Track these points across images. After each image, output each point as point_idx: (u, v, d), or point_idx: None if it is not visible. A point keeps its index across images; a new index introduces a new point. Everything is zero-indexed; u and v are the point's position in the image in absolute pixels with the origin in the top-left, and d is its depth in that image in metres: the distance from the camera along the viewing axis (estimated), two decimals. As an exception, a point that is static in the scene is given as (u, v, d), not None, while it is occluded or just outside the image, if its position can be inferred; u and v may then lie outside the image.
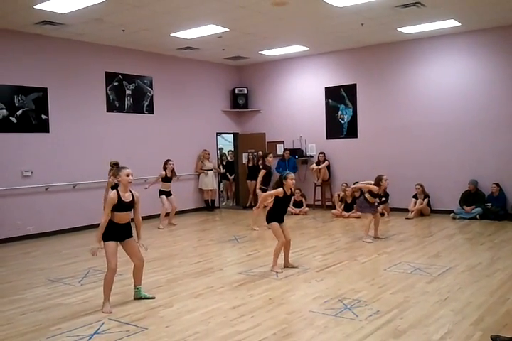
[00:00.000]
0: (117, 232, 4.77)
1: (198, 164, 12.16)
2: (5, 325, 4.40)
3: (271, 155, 9.79)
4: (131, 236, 4.88)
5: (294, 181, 6.04)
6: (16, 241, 8.61)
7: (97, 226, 7.59)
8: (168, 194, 9.78)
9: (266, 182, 9.55)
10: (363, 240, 7.64)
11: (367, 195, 7.84)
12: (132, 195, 4.83)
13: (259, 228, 8.99)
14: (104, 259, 6.96)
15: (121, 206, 4.73)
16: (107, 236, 4.72)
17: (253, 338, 3.91)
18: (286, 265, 6.17)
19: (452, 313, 4.34)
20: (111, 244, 4.73)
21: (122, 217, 4.78)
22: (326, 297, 4.91)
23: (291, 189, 6.09)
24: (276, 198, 6.03)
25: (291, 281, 5.56)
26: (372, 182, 7.82)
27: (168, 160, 9.80)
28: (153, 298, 5.00)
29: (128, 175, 4.79)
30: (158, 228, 9.48)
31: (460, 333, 3.88)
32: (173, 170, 9.82)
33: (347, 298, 4.86)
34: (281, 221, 6.09)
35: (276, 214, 6.08)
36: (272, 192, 6.07)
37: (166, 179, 9.74)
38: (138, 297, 5.01)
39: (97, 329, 4.21)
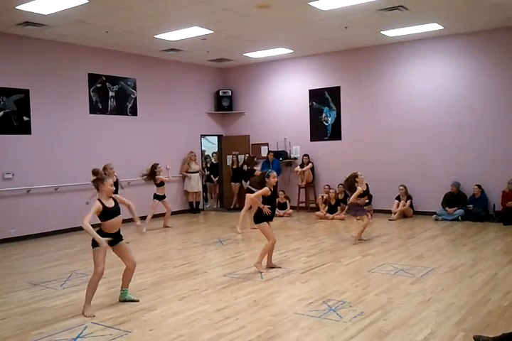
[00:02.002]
0: (113, 237, 4.80)
1: (184, 166, 12.12)
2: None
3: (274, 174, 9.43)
4: (122, 239, 4.87)
5: (276, 179, 6.11)
6: (-3, 244, 8.50)
7: (79, 229, 7.61)
8: (161, 197, 9.69)
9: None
10: (353, 243, 7.66)
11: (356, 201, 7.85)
12: (113, 199, 4.85)
13: (243, 230, 8.96)
14: (86, 262, 6.95)
15: (108, 214, 4.70)
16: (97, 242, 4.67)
17: (238, 340, 3.90)
18: (270, 265, 6.19)
19: (435, 314, 4.38)
20: (101, 249, 4.67)
21: (114, 225, 4.75)
22: (311, 298, 4.92)
23: (274, 187, 6.19)
24: (265, 197, 6.05)
25: (275, 283, 5.55)
26: (357, 192, 7.77)
27: (155, 165, 9.56)
28: (138, 300, 4.97)
29: (112, 185, 4.79)
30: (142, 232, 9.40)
31: (443, 333, 3.91)
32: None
33: (331, 299, 4.87)
34: (270, 219, 6.14)
35: (266, 213, 6.07)
36: (259, 192, 6.05)
37: (161, 183, 9.60)
38: (123, 299, 4.98)
39: (80, 333, 4.16)
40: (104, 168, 8.41)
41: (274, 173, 6.14)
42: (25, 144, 9.14)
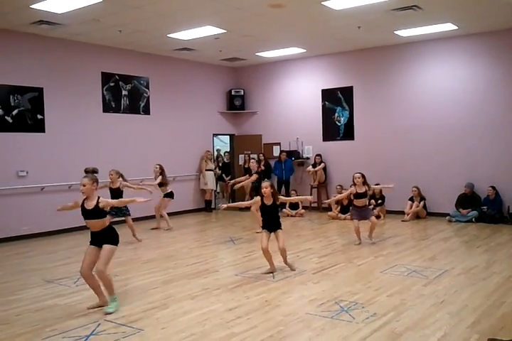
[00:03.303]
0: (92, 237, 4.80)
1: (202, 164, 12.17)
2: (1, 325, 4.37)
3: (253, 160, 9.63)
4: (107, 243, 4.74)
5: (268, 189, 5.86)
6: (11, 241, 8.57)
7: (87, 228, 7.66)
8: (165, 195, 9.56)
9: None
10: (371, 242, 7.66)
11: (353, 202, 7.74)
12: (98, 202, 4.70)
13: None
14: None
15: (83, 213, 4.72)
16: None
17: (249, 340, 3.90)
18: (286, 263, 6.13)
19: (449, 316, 4.34)
20: (88, 248, 4.76)
21: (90, 224, 4.75)
22: (323, 299, 4.90)
23: (274, 198, 5.94)
24: (261, 207, 6.03)
25: (287, 283, 5.54)
26: (345, 193, 7.76)
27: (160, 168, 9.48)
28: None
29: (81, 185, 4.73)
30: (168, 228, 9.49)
31: (457, 336, 3.88)
32: (161, 174, 9.43)
33: (343, 300, 4.85)
34: (269, 229, 6.00)
35: (264, 222, 6.07)
36: (251, 202, 6.25)
37: (160, 184, 9.47)
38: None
39: (93, 331, 4.18)
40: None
41: (266, 183, 5.91)
42: (39, 142, 9.22)
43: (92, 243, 4.76)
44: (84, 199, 4.74)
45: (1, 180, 8.63)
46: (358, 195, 7.54)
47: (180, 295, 5.18)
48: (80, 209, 4.73)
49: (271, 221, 6.01)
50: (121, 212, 8.09)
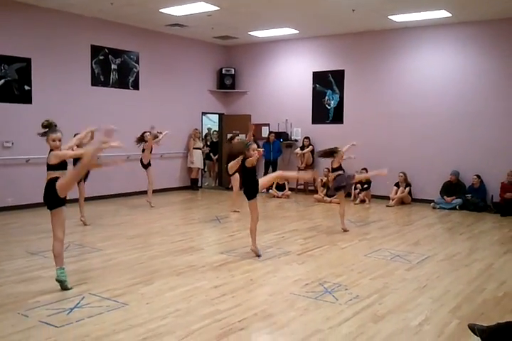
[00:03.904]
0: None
1: (190, 142, 12.09)
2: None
3: (238, 138, 9.56)
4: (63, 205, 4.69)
5: (256, 154, 5.63)
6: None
7: (76, 200, 7.60)
8: (145, 165, 9.36)
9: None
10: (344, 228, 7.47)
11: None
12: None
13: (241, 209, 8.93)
14: (83, 234, 7.00)
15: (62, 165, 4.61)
16: (53, 204, 4.67)
17: (234, 318, 3.92)
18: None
19: (430, 300, 4.41)
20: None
21: (55, 175, 4.61)
22: (307, 280, 4.94)
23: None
24: (244, 171, 5.79)
25: (272, 263, 5.57)
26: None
27: (144, 132, 9.37)
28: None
29: (54, 140, 4.58)
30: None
31: (438, 320, 3.94)
32: (155, 138, 9.36)
33: (327, 281, 4.89)
34: (247, 196, 5.79)
35: (244, 185, 5.85)
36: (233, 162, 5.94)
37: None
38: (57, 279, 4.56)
39: (77, 304, 4.18)
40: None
41: (255, 146, 5.71)
42: (26, 113, 9.05)
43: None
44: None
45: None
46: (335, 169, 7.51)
47: (165, 271, 5.19)
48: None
49: (248, 186, 5.76)
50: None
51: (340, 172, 7.44)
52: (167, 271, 5.18)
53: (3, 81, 8.79)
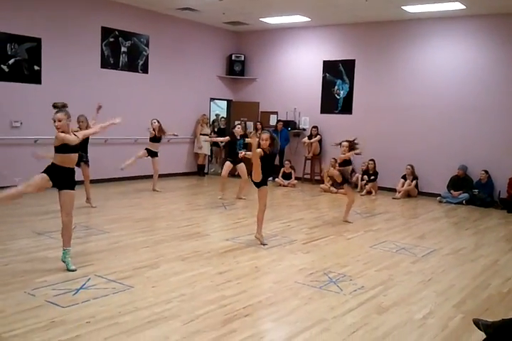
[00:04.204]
0: (57, 176, 4.56)
1: (198, 128, 12.05)
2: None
3: (239, 126, 9.26)
4: (70, 188, 4.60)
5: (269, 141, 5.58)
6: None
7: (82, 183, 7.61)
8: (153, 154, 9.35)
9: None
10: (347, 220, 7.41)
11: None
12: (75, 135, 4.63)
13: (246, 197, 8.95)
14: (89, 216, 7.02)
15: (66, 147, 4.53)
16: (46, 171, 4.54)
17: (239, 304, 3.94)
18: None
19: (435, 294, 4.41)
20: (43, 176, 4.53)
21: (71, 158, 4.59)
22: (312, 269, 4.95)
23: (273, 147, 5.67)
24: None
25: (277, 251, 5.58)
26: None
27: (152, 120, 9.33)
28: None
29: (54, 121, 4.56)
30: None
31: (442, 314, 3.94)
32: (160, 129, 9.31)
33: (332, 271, 4.90)
34: (256, 184, 5.75)
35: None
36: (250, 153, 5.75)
37: (153, 139, 9.33)
38: (63, 260, 4.60)
39: (83, 284, 4.20)
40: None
41: (266, 135, 5.62)
42: (35, 94, 9.02)
43: (51, 179, 4.52)
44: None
45: (-5, 128, 8.48)
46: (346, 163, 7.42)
47: (171, 255, 5.20)
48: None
49: (266, 170, 5.68)
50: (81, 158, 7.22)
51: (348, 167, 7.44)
52: (172, 256, 5.19)
53: (13, 60, 8.75)
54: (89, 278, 4.36)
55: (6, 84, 8.65)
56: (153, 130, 9.27)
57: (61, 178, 4.56)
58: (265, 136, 5.65)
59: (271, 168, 5.90)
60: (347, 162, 7.44)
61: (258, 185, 5.77)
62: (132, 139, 9.93)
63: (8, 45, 8.65)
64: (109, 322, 3.50)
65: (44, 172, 4.55)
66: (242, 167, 8.73)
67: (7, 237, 5.64)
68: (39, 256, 4.95)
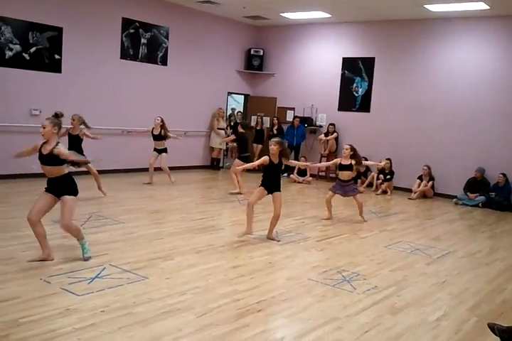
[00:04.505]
0: (49, 185, 4.55)
1: (214, 122, 12.04)
2: (7, 260, 4.43)
3: (274, 142, 9.35)
4: (66, 194, 4.52)
5: (276, 147, 5.59)
6: (20, 178, 8.55)
7: (100, 172, 7.66)
8: (159, 151, 9.24)
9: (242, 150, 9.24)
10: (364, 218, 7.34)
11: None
12: (53, 148, 4.42)
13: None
14: (106, 206, 7.05)
15: (39, 157, 4.48)
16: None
17: (252, 299, 3.94)
18: (269, 237, 5.86)
19: (449, 297, 4.37)
20: (42, 194, 4.51)
21: (45, 170, 4.50)
22: (326, 267, 4.93)
23: (281, 157, 5.69)
24: (265, 165, 5.75)
25: (291, 248, 5.57)
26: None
27: (156, 117, 9.21)
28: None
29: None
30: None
31: (456, 317, 3.91)
32: (162, 127, 9.12)
33: (346, 270, 4.88)
34: (267, 189, 5.72)
35: (264, 181, 5.77)
36: (259, 161, 5.76)
37: (154, 137, 9.22)
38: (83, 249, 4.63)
39: (98, 274, 4.23)
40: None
41: (275, 140, 5.64)
42: (55, 82, 9.09)
43: (47, 190, 4.50)
44: (43, 143, 4.48)
45: (14, 116, 8.55)
46: (342, 167, 7.17)
47: (185, 248, 5.22)
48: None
49: (271, 181, 5.70)
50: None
51: (346, 175, 7.21)
52: (186, 248, 5.20)
53: (34, 48, 8.81)
54: (104, 268, 4.39)
55: (26, 72, 8.72)
56: (154, 127, 9.14)
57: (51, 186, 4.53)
58: (274, 140, 5.66)
59: (277, 178, 5.80)
60: (348, 167, 7.18)
61: (269, 190, 5.72)
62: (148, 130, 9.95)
63: (30, 33, 8.71)
64: (123, 311, 3.52)
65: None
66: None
67: (26, 224, 5.63)
68: (55, 243, 4.97)
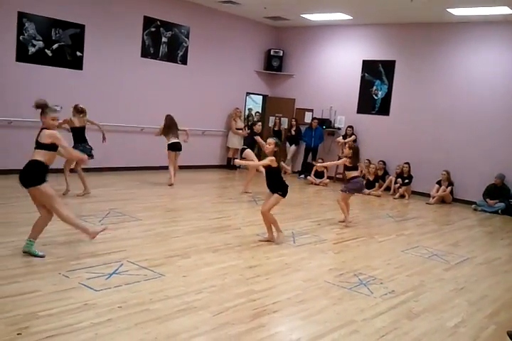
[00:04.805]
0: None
1: (232, 123, 12.04)
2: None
3: (259, 123, 9.57)
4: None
5: (272, 146, 5.48)
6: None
7: (118, 169, 7.69)
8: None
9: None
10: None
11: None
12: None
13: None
14: (124, 202, 7.08)
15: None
16: (42, 179, 4.40)
17: (268, 299, 3.93)
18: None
19: (467, 303, 4.31)
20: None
21: (52, 158, 4.49)
22: (342, 270, 4.90)
23: (276, 158, 5.52)
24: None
25: (307, 249, 5.54)
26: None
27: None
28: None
29: (54, 120, 4.57)
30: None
31: (474, 324, 3.86)
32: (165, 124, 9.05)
33: (363, 273, 4.84)
34: (270, 190, 5.64)
35: (267, 183, 5.70)
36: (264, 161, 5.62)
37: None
38: (26, 250, 4.41)
39: (116, 270, 4.25)
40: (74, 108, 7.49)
41: (271, 140, 5.52)
42: (76, 79, 9.17)
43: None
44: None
45: (36, 112, 8.59)
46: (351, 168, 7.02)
47: (202, 246, 5.23)
48: None
49: (270, 183, 5.62)
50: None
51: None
52: (203, 247, 5.21)
53: (57, 45, 8.90)
54: (122, 264, 4.41)
55: (48, 68, 8.81)
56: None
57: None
58: (271, 140, 5.55)
59: (277, 181, 5.63)
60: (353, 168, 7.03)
61: (271, 191, 5.64)
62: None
63: (53, 30, 8.80)
64: (140, 308, 3.53)
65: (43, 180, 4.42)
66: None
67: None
68: (74, 238, 5.03)
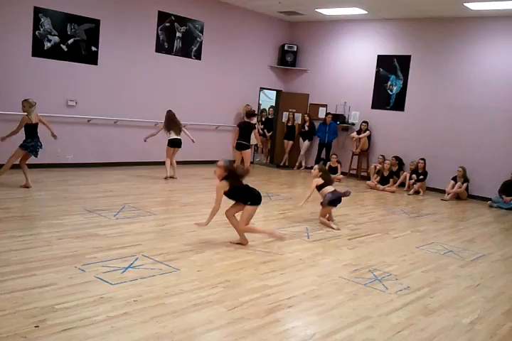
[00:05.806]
0: None
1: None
2: (44, 247, 4.51)
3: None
4: None
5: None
6: (55, 167, 8.71)
7: (134, 164, 7.71)
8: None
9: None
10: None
11: None
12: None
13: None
14: (139, 197, 7.12)
15: None
16: None
17: (282, 294, 3.92)
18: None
19: (484, 300, 4.27)
20: None
21: None
22: (357, 266, 4.88)
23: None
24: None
25: (322, 245, 5.53)
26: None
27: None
28: None
29: None
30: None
31: (491, 321, 3.82)
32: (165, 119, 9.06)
33: (377, 269, 4.82)
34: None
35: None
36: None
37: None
38: None
39: (131, 264, 4.27)
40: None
41: (220, 163, 5.21)
42: (91, 74, 9.22)
43: None
44: None
45: (51, 106, 8.69)
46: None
47: (216, 241, 5.24)
48: None
49: (238, 198, 5.37)
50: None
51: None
52: (217, 242, 5.22)
53: (72, 40, 8.94)
54: (137, 258, 4.43)
55: (64, 63, 8.86)
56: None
57: None
58: (220, 163, 5.24)
59: (242, 194, 5.35)
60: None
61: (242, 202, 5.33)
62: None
63: (68, 25, 8.84)
64: (156, 302, 3.55)
65: None
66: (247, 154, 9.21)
67: (62, 212, 5.80)
68: (90, 232, 5.07)
